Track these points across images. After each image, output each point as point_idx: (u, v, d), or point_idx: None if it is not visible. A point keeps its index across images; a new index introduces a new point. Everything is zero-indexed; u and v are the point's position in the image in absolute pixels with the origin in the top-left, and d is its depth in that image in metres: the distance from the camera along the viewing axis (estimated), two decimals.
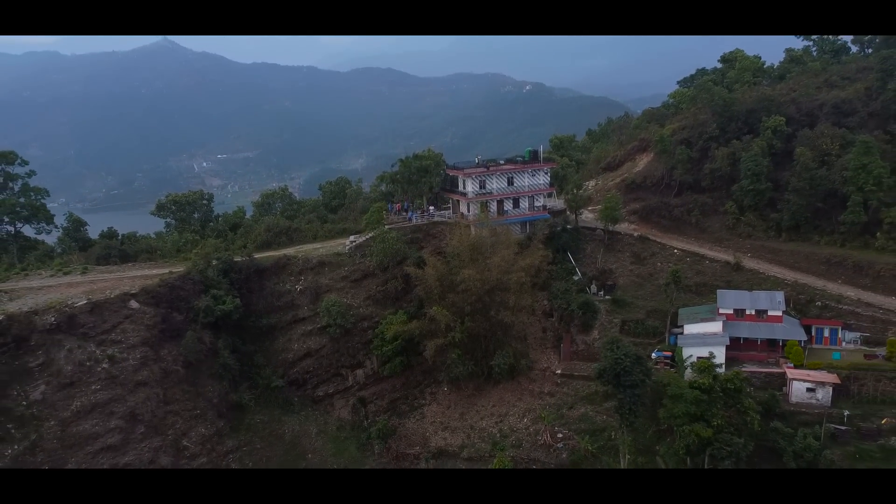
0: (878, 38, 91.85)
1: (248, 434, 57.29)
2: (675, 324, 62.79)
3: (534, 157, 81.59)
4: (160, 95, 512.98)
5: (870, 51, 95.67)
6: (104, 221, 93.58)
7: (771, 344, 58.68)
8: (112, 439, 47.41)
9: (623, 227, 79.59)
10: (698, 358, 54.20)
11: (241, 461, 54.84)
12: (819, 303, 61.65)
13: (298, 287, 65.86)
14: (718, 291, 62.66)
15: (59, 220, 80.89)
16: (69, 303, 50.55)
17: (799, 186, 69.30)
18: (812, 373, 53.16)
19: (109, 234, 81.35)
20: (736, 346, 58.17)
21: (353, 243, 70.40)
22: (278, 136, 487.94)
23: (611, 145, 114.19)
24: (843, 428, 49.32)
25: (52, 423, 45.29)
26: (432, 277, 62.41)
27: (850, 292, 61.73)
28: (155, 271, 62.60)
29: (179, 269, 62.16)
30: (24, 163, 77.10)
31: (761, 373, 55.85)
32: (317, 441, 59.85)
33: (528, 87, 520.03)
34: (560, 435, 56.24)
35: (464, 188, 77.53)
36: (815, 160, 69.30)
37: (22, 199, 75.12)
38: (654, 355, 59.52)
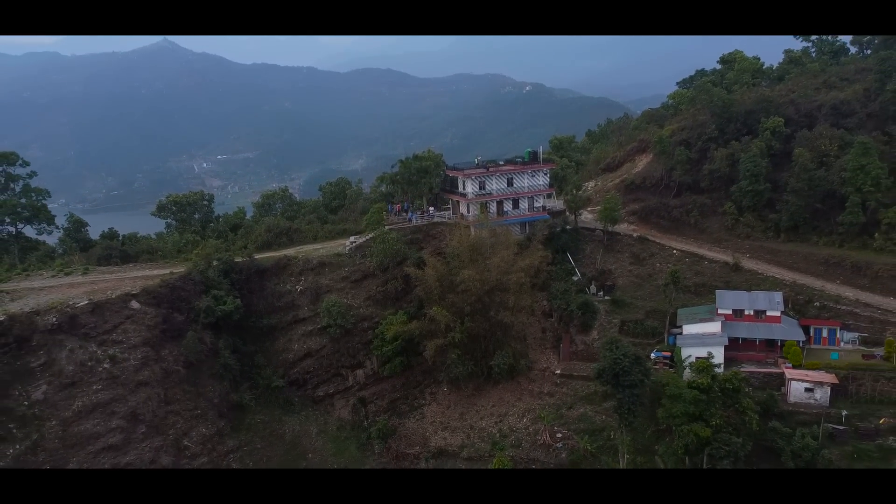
0: (876, 40, 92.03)
1: (248, 434, 57.45)
2: (674, 324, 62.93)
3: (533, 157, 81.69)
4: (160, 96, 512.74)
5: (868, 52, 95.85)
6: (104, 222, 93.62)
7: (769, 344, 58.81)
8: (113, 439, 47.62)
9: (622, 227, 79.72)
10: (697, 358, 54.34)
11: (242, 461, 54.98)
12: (817, 303, 61.79)
13: (299, 287, 66.00)
14: (717, 292, 62.76)
15: (60, 221, 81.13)
16: (70, 303, 50.73)
17: (797, 187, 69.43)
18: (810, 373, 53.31)
19: (110, 235, 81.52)
20: (734, 347, 58.34)
21: (354, 244, 70.52)
22: (278, 136, 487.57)
23: (610, 146, 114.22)
24: (842, 428, 49.49)
25: (54, 422, 45.49)
26: (432, 278, 62.54)
27: (849, 293, 61.88)
28: (156, 272, 62.79)
29: (180, 269, 62.34)
30: (26, 164, 77.40)
31: (760, 373, 56.00)
32: (317, 441, 59.99)
33: (528, 88, 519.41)
34: (559, 435, 56.36)
35: (463, 189, 77.65)
36: (814, 161, 69.43)
37: (23, 200, 75.32)
38: (653, 355, 59.69)
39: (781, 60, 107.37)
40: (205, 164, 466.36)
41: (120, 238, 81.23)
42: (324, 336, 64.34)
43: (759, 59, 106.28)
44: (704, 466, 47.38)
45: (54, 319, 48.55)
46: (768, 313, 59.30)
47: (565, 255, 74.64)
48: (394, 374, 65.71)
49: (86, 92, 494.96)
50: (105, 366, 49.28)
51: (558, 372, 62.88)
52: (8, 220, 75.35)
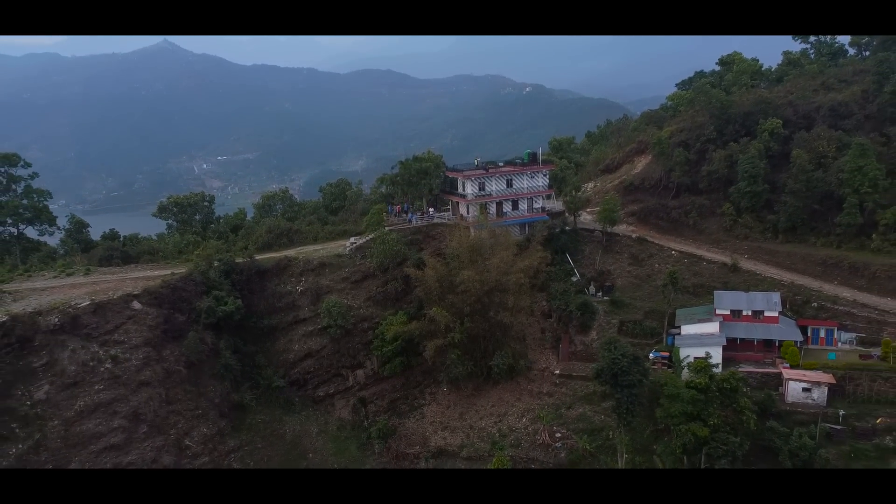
0: (875, 41, 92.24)
1: (249, 434, 57.62)
2: (673, 324, 63.18)
3: (533, 159, 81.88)
4: (160, 97, 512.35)
5: (867, 53, 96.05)
6: (105, 223, 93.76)
7: (767, 344, 59.06)
8: (115, 439, 47.79)
9: (621, 228, 79.94)
10: (695, 358, 54.49)
11: (243, 461, 55.14)
12: (815, 303, 62.02)
13: (299, 288, 66.18)
14: (715, 292, 62.98)
15: (61, 222, 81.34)
16: (72, 304, 50.92)
17: (795, 188, 69.64)
18: (808, 373, 53.55)
19: (111, 236, 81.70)
20: (733, 347, 58.59)
21: (354, 245, 70.71)
22: (278, 137, 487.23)
23: (609, 147, 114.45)
24: (839, 427, 49.74)
25: (56, 422, 45.66)
26: (432, 278, 62.73)
27: (846, 293, 62.13)
28: (157, 272, 63.00)
29: (181, 270, 62.55)
30: (27, 165, 77.66)
31: (758, 373, 56.22)
32: (317, 441, 60.16)
33: (528, 89, 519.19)
34: (558, 434, 56.55)
35: (463, 190, 77.83)
36: (812, 162, 69.67)
37: (25, 201, 75.58)
38: (651, 355, 59.90)
39: (780, 62, 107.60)
40: (205, 165, 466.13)
41: (121, 239, 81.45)
42: (324, 336, 64.53)
43: (757, 60, 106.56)
44: (702, 466, 47.60)
45: (56, 320, 48.73)
46: (766, 314, 59.52)
47: (564, 256, 74.83)
48: (394, 375, 65.91)
49: (86, 93, 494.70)
50: (107, 366, 49.46)
51: (557, 372, 63.04)
52: (10, 221, 75.62)
